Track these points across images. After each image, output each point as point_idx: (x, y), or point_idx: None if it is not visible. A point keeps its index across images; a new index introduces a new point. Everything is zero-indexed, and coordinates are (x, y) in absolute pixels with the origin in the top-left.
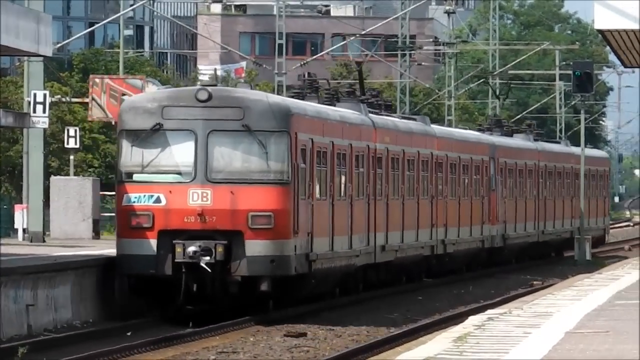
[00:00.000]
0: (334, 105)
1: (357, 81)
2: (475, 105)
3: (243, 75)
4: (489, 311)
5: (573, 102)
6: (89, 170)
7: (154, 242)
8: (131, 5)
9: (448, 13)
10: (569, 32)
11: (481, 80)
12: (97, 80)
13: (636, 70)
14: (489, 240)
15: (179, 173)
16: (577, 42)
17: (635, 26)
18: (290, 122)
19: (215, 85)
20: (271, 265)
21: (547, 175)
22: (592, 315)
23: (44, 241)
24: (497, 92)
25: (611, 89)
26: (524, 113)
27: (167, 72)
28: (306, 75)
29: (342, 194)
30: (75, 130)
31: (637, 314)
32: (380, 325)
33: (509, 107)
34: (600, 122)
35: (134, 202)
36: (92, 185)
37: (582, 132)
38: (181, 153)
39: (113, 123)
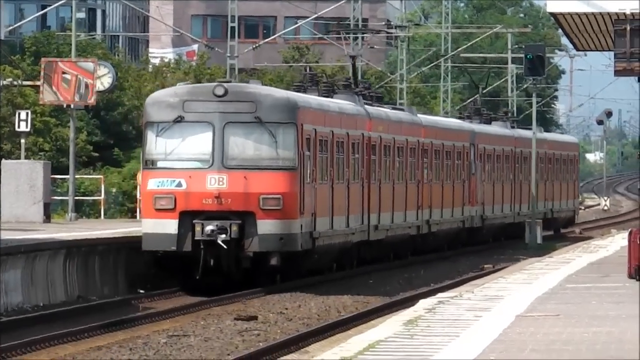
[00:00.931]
0: (332, 97)
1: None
2: (427, 89)
3: (195, 58)
4: (440, 294)
5: (525, 86)
6: (40, 153)
7: (175, 222)
8: None
9: None
10: (522, 15)
11: (433, 64)
12: (49, 63)
13: (588, 53)
14: (469, 221)
15: (198, 160)
16: (529, 25)
17: (587, 9)
18: (297, 114)
19: (230, 82)
20: (280, 242)
21: (522, 160)
22: (542, 298)
23: None
24: (476, 83)
25: (563, 72)
26: (475, 96)
27: (118, 55)
28: (307, 70)
29: (340, 178)
30: (27, 114)
31: (587, 297)
32: (331, 309)
33: (460, 90)
34: (552, 105)
35: (158, 186)
36: (43, 168)
37: (534, 116)
38: (200, 142)
39: (64, 106)
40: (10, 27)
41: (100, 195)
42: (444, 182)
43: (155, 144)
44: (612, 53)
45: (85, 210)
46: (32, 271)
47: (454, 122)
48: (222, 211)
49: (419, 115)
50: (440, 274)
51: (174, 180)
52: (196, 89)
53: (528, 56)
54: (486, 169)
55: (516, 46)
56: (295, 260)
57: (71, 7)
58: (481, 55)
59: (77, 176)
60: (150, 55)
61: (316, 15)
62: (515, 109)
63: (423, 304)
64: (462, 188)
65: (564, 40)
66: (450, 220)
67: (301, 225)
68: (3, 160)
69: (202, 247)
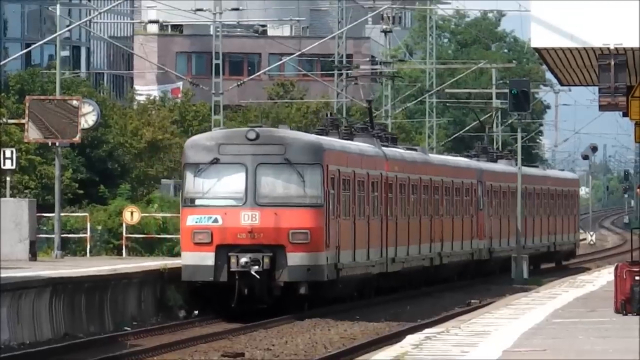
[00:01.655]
0: (352, 140)
1: (293, 99)
2: (413, 125)
3: (180, 95)
4: (427, 330)
5: (510, 121)
6: (26, 191)
7: (212, 255)
8: (67, 26)
9: (385, 32)
10: (506, 50)
11: (418, 100)
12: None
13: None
14: (477, 253)
15: (233, 198)
16: (513, 61)
17: (571, 44)
18: (322, 156)
19: (261, 127)
20: (308, 273)
21: (527, 196)
22: (529, 333)
23: None
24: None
25: (548, 107)
26: (460, 132)
27: (103, 93)
28: (329, 115)
29: (361, 214)
30: (12, 152)
31: (574, 332)
32: (318, 345)
33: (446, 126)
34: (537, 140)
35: (196, 222)
36: (29, 206)
37: (519, 151)
38: (234, 182)
39: (49, 144)
40: None
41: (86, 233)
42: (454, 217)
43: (194, 184)
44: (596, 88)
45: (71, 247)
46: (18, 309)
47: (462, 160)
48: (255, 245)
49: (430, 154)
50: (427, 310)
51: (210, 217)
52: (230, 133)
53: (513, 91)
54: (493, 204)
55: (500, 81)
56: (321, 290)
57: (55, 45)
58: (466, 90)
59: (62, 214)
60: (135, 92)
61: (300, 52)
62: (500, 144)
63: (410, 339)
64: (471, 222)
65: (549, 75)
66: (460, 253)
67: (327, 258)
68: None
69: (237, 277)
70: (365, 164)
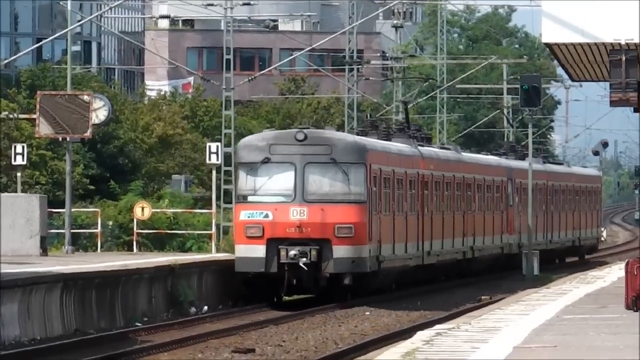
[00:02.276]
0: (390, 140)
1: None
2: (424, 120)
3: (191, 90)
4: (438, 326)
5: (521, 117)
6: (36, 187)
7: (263, 248)
8: (79, 21)
9: (396, 27)
10: (517, 46)
11: (429, 95)
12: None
13: (584, 84)
14: (507, 248)
15: (283, 195)
16: (524, 56)
17: (582, 40)
18: (366, 156)
19: (309, 128)
20: (352, 265)
21: (553, 192)
22: (540, 329)
23: None
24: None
25: (559, 102)
26: (471, 127)
27: (114, 88)
28: (369, 117)
29: (400, 210)
30: (23, 147)
31: (585, 328)
32: (328, 341)
33: (456, 121)
34: (548, 136)
35: (248, 217)
36: (40, 202)
37: (530, 147)
38: (284, 180)
39: (60, 139)
40: (6, 61)
41: (96, 228)
42: (485, 212)
43: (246, 182)
44: (607, 83)
45: (82, 243)
46: (28, 304)
47: (492, 159)
48: (303, 238)
49: (462, 153)
50: (438, 306)
51: (262, 212)
52: (280, 134)
53: (524, 87)
54: (522, 201)
55: (511, 77)
56: (364, 280)
57: (66, 40)
58: (476, 86)
59: (73, 209)
60: (146, 87)
61: (311, 47)
62: (511, 139)
63: (420, 335)
64: (501, 218)
65: (560, 71)
66: (491, 247)
67: (369, 250)
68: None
69: (286, 268)
70: (404, 163)
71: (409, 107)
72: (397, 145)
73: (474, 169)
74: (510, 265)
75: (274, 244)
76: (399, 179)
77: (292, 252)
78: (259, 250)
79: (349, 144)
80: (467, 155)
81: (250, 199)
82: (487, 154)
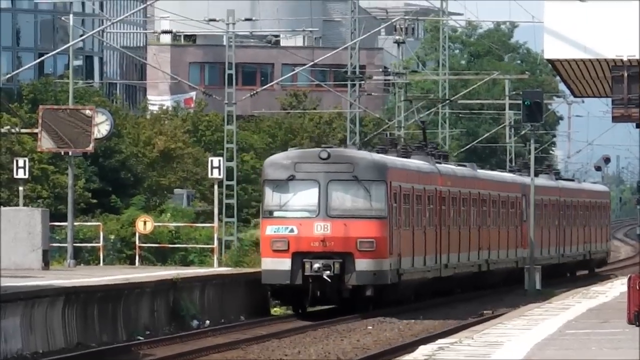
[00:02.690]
0: (409, 157)
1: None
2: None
3: (192, 105)
4: (440, 341)
5: (522, 132)
6: (38, 201)
7: (289, 261)
8: (81, 36)
9: (398, 43)
10: (519, 61)
11: (431, 111)
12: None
13: (586, 99)
14: (521, 261)
15: (307, 211)
16: (526, 72)
17: (584, 56)
18: (386, 173)
19: (332, 147)
20: (373, 277)
21: (565, 208)
22: (542, 344)
23: None
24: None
25: (561, 118)
26: (473, 143)
27: (116, 103)
28: (388, 136)
29: (419, 225)
30: (25, 161)
31: (587, 343)
32: (330, 355)
33: (458, 137)
34: (550, 151)
35: (274, 232)
36: (42, 215)
37: (532, 162)
38: (308, 196)
39: (62, 153)
40: (8, 75)
41: (98, 242)
42: (500, 227)
43: (272, 198)
44: (609, 99)
45: (84, 256)
46: (31, 318)
47: (507, 176)
48: (327, 252)
49: (478, 170)
50: (440, 320)
51: (287, 227)
52: (305, 153)
53: (526, 102)
54: (536, 216)
55: (513, 92)
56: (385, 292)
57: (68, 55)
58: (478, 101)
59: (75, 223)
60: (148, 102)
61: (313, 62)
62: (513, 155)
63: (422, 350)
64: (516, 233)
65: (562, 87)
66: (506, 260)
67: (390, 264)
68: (1, 208)
69: (310, 281)
70: (422, 180)
71: (425, 126)
72: (416, 163)
73: (489, 185)
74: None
75: (298, 258)
76: (418, 195)
77: (316, 265)
78: (284, 264)
79: (371, 162)
80: (483, 172)
81: (276, 214)
82: (502, 171)
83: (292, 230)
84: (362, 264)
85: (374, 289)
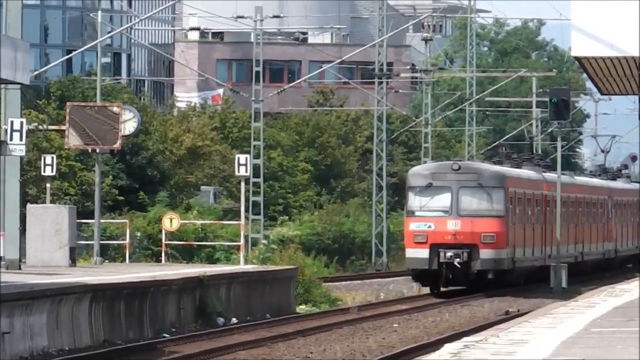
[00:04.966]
0: (520, 167)
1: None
2: (452, 133)
3: (220, 102)
4: (465, 339)
5: (550, 130)
6: (65, 198)
7: (427, 251)
8: (109, 33)
9: (425, 40)
10: (546, 59)
11: (458, 108)
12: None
13: (613, 97)
14: (607, 253)
15: (442, 211)
16: (553, 69)
17: (612, 53)
18: (505, 181)
19: (462, 161)
20: (494, 264)
21: (618, 206)
22: (568, 343)
23: (20, 269)
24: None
25: (588, 116)
26: (500, 140)
27: (144, 100)
28: (504, 149)
29: (529, 222)
30: (52, 158)
31: (612, 341)
32: (356, 353)
33: (485, 134)
34: (577, 149)
35: (416, 227)
36: (69, 213)
37: (559, 160)
38: (443, 199)
39: (90, 150)
40: (36, 72)
41: (125, 239)
42: (592, 224)
43: (414, 201)
44: (637, 97)
45: (110, 254)
46: (57, 315)
47: (596, 181)
48: (457, 243)
49: (575, 177)
50: (466, 319)
51: (426, 224)
52: (440, 165)
53: (553, 100)
54: (617, 214)
55: (540, 90)
56: (503, 276)
57: (96, 52)
58: (506, 99)
59: (102, 220)
60: (175, 99)
61: (341, 59)
62: (540, 153)
63: (448, 348)
64: (603, 229)
65: (589, 84)
66: (595, 252)
67: (507, 253)
68: (29, 205)
69: (444, 266)
70: (532, 186)
71: (532, 142)
72: (527, 172)
73: (583, 189)
74: (609, 267)
75: (435, 248)
76: (528, 198)
77: (448, 254)
78: (424, 253)
79: (492, 172)
80: (578, 179)
81: (417, 213)
82: (592, 177)
83: (430, 226)
84: (485, 253)
85: (494, 273)
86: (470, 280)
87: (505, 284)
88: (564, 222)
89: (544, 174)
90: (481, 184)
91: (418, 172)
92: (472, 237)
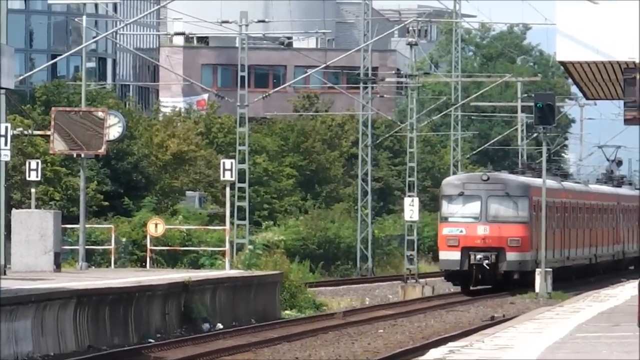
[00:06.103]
0: (540, 177)
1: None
2: (438, 138)
3: (205, 107)
4: (450, 344)
5: (535, 134)
6: (50, 203)
7: (459, 253)
8: (94, 38)
9: (410, 45)
10: (531, 64)
11: (443, 113)
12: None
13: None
14: (617, 255)
15: (472, 217)
16: (539, 74)
17: (597, 58)
18: (529, 191)
19: (491, 172)
20: (519, 265)
21: (627, 212)
22: (553, 347)
23: (4, 274)
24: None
25: (573, 121)
26: (485, 145)
27: (129, 105)
28: (526, 161)
29: (550, 227)
30: (37, 163)
31: (597, 347)
32: (341, 358)
33: (470, 139)
34: (562, 154)
35: (449, 232)
36: (54, 218)
37: (544, 165)
38: (473, 207)
39: (75, 155)
40: (21, 77)
41: (110, 245)
42: (603, 229)
43: (448, 208)
44: (622, 102)
45: (95, 259)
46: (42, 320)
47: (606, 188)
48: (486, 247)
49: (589, 186)
50: (451, 324)
51: (458, 229)
52: (471, 176)
53: (538, 105)
54: (625, 219)
55: (526, 95)
56: (527, 276)
57: (81, 56)
58: (491, 104)
59: (87, 225)
60: (160, 104)
61: (326, 64)
62: (525, 157)
63: (433, 353)
64: (613, 232)
65: (574, 89)
66: (606, 254)
67: (531, 256)
68: (14, 210)
69: (474, 268)
70: (552, 195)
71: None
72: (547, 182)
73: (596, 196)
74: (618, 267)
75: (466, 251)
76: (549, 206)
77: (478, 256)
78: (456, 255)
79: (518, 183)
80: (592, 187)
81: (450, 219)
82: (602, 185)
83: (461, 231)
84: (511, 256)
85: (519, 274)
86: (497, 281)
87: (529, 284)
88: (580, 227)
89: (563, 183)
90: (508, 193)
91: (451, 182)
92: (499, 241)
